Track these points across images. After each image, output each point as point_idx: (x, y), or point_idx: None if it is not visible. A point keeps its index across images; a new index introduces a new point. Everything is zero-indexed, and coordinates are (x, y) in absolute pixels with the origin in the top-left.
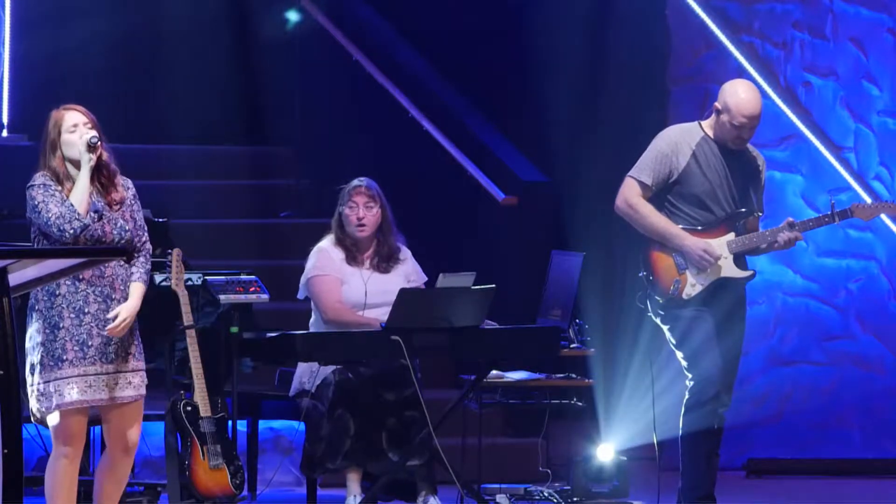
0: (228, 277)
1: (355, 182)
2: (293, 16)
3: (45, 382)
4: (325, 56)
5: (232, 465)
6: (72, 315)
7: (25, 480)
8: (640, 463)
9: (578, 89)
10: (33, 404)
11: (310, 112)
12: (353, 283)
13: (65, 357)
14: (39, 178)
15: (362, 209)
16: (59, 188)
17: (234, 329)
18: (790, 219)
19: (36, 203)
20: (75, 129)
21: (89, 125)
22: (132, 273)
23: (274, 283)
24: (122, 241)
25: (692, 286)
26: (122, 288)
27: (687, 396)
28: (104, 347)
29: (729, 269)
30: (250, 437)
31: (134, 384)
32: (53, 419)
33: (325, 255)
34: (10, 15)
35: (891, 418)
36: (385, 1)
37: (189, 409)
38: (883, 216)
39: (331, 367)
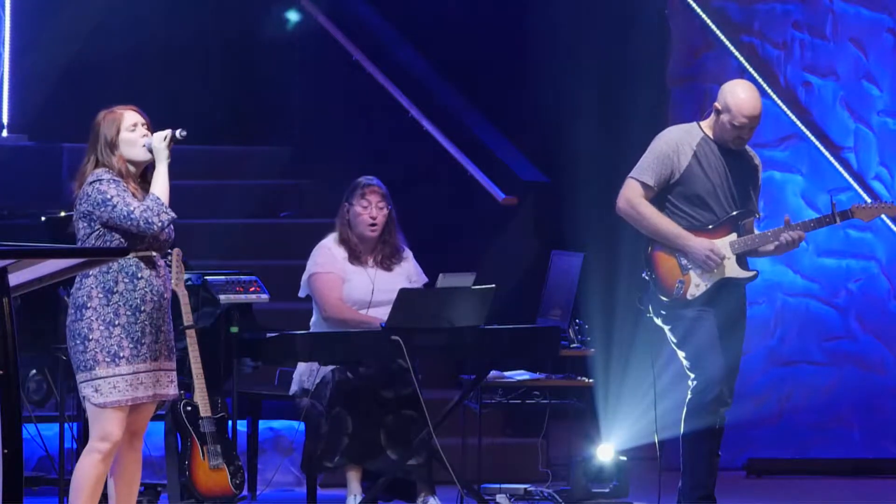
0: (228, 277)
1: (368, 181)
2: (293, 16)
3: (100, 379)
4: (325, 56)
5: (232, 465)
6: (128, 313)
7: (25, 480)
8: (641, 463)
9: (579, 89)
10: (89, 399)
11: (310, 112)
12: (359, 282)
13: (121, 354)
14: (105, 173)
15: (375, 209)
16: (126, 186)
17: (234, 329)
18: (787, 217)
19: (109, 197)
20: (135, 128)
21: (146, 125)
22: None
23: (274, 283)
24: (171, 239)
25: (696, 286)
26: (170, 287)
27: (689, 396)
28: (154, 345)
29: (732, 269)
30: (250, 437)
31: (175, 382)
32: (98, 415)
33: (327, 253)
34: (10, 15)
35: (891, 418)
36: (385, 1)
37: (189, 409)
38: (883, 216)
39: (330, 366)
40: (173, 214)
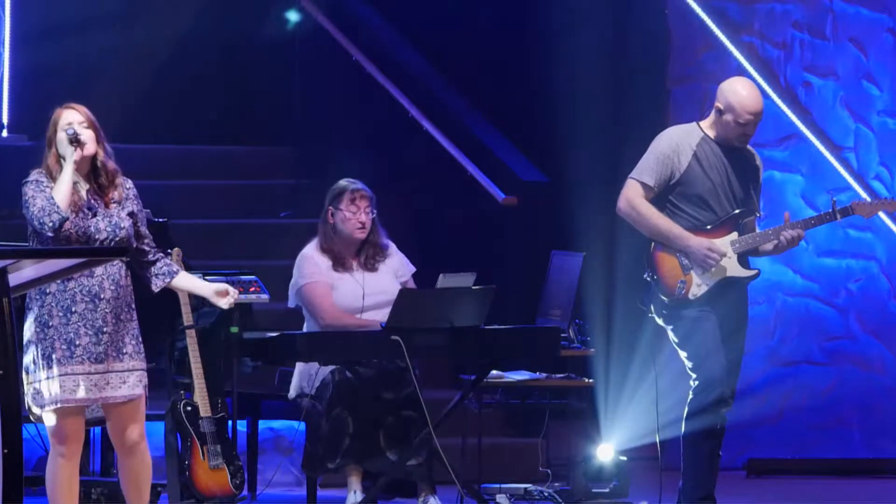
0: (228, 277)
1: (355, 185)
2: (293, 16)
3: (38, 381)
4: (325, 56)
5: (232, 465)
6: (60, 314)
7: (25, 480)
8: (641, 463)
9: (578, 89)
10: (29, 403)
11: (310, 112)
12: (347, 288)
13: (54, 356)
14: (34, 174)
15: (363, 213)
16: (51, 185)
17: (234, 329)
18: (787, 214)
19: (26, 198)
20: (69, 127)
21: (85, 124)
22: (174, 270)
23: (274, 283)
24: (117, 239)
25: (698, 286)
26: (111, 288)
27: (691, 396)
28: (92, 347)
29: (733, 268)
30: (250, 437)
31: (129, 383)
32: (49, 418)
33: (311, 262)
34: (10, 15)
35: (891, 418)
36: (385, 1)
37: (189, 409)
38: (882, 214)
39: (329, 368)
40: (65, 215)
